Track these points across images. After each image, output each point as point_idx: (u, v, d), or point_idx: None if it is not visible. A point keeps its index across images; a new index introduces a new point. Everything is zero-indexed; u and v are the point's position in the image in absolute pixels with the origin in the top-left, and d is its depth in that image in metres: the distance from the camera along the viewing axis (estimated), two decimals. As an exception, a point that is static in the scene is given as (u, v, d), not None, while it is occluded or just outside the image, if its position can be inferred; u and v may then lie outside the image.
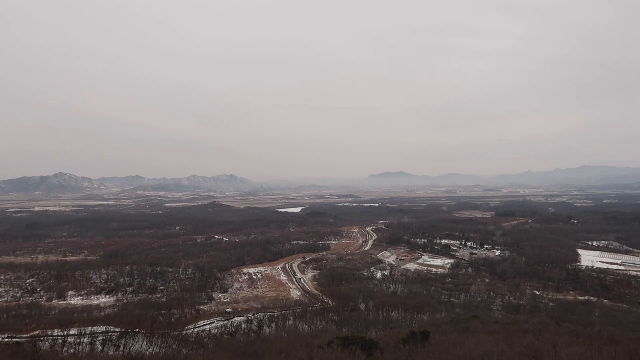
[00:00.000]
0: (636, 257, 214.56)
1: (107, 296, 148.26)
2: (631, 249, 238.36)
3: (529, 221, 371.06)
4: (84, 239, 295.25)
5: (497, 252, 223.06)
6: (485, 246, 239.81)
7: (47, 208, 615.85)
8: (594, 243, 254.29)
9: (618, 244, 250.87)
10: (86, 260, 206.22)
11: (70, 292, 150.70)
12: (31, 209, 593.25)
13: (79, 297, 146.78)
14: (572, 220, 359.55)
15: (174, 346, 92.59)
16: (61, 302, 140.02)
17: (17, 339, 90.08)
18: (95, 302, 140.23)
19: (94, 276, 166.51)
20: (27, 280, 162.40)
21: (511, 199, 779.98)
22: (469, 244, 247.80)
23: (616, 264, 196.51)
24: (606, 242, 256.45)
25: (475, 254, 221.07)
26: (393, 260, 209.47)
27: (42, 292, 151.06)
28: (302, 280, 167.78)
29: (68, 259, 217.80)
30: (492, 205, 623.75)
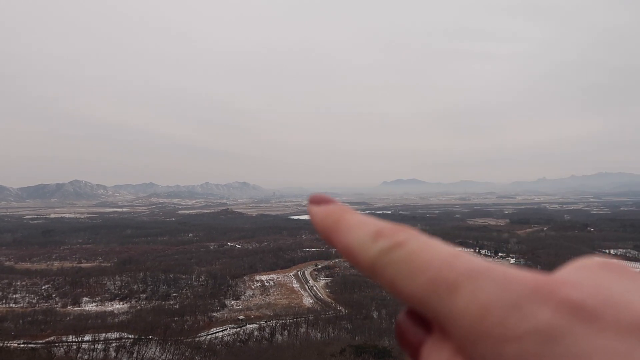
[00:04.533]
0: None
1: (121, 303, 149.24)
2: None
3: (545, 229, 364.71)
4: (99, 246, 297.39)
5: (512, 260, 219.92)
6: (500, 254, 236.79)
7: (63, 215, 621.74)
8: (612, 251, 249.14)
9: (636, 252, 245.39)
10: (100, 267, 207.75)
11: (84, 299, 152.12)
12: (47, 216, 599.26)
13: (93, 304, 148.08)
14: (588, 228, 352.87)
15: (187, 353, 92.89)
16: (76, 309, 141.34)
17: (32, 345, 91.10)
18: (109, 308, 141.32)
19: (108, 283, 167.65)
20: (43, 287, 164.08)
21: (526, 206, 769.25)
22: (483, 251, 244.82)
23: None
24: (624, 251, 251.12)
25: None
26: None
27: (57, 299, 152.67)
28: (314, 287, 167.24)
29: (83, 265, 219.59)
30: (506, 212, 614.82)
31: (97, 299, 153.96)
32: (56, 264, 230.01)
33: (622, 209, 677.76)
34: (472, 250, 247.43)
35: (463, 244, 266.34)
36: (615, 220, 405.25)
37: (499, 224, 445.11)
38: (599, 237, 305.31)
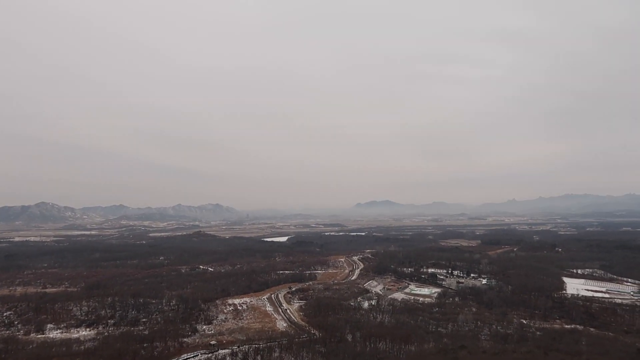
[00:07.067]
0: (620, 285, 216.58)
1: (88, 329, 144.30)
2: (615, 276, 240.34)
3: (515, 249, 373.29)
4: (65, 270, 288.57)
5: (484, 281, 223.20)
6: (472, 275, 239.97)
7: (28, 238, 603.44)
8: (579, 271, 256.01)
9: (602, 272, 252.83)
10: (67, 292, 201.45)
11: (49, 325, 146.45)
12: (11, 240, 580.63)
13: (59, 331, 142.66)
14: (556, 249, 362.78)
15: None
16: (39, 336, 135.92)
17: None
18: (75, 335, 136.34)
19: (74, 308, 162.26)
20: (4, 313, 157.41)
21: (496, 228, 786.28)
22: (455, 272, 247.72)
23: (601, 292, 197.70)
24: (591, 270, 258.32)
25: (462, 282, 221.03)
26: (380, 290, 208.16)
27: (19, 326, 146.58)
28: (288, 311, 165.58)
29: (48, 290, 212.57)
30: (477, 233, 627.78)
31: (62, 325, 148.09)
32: (19, 289, 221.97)
33: (587, 229, 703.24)
34: (445, 271, 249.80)
35: (436, 265, 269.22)
36: (581, 240, 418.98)
37: (470, 245, 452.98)
38: (566, 257, 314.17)
